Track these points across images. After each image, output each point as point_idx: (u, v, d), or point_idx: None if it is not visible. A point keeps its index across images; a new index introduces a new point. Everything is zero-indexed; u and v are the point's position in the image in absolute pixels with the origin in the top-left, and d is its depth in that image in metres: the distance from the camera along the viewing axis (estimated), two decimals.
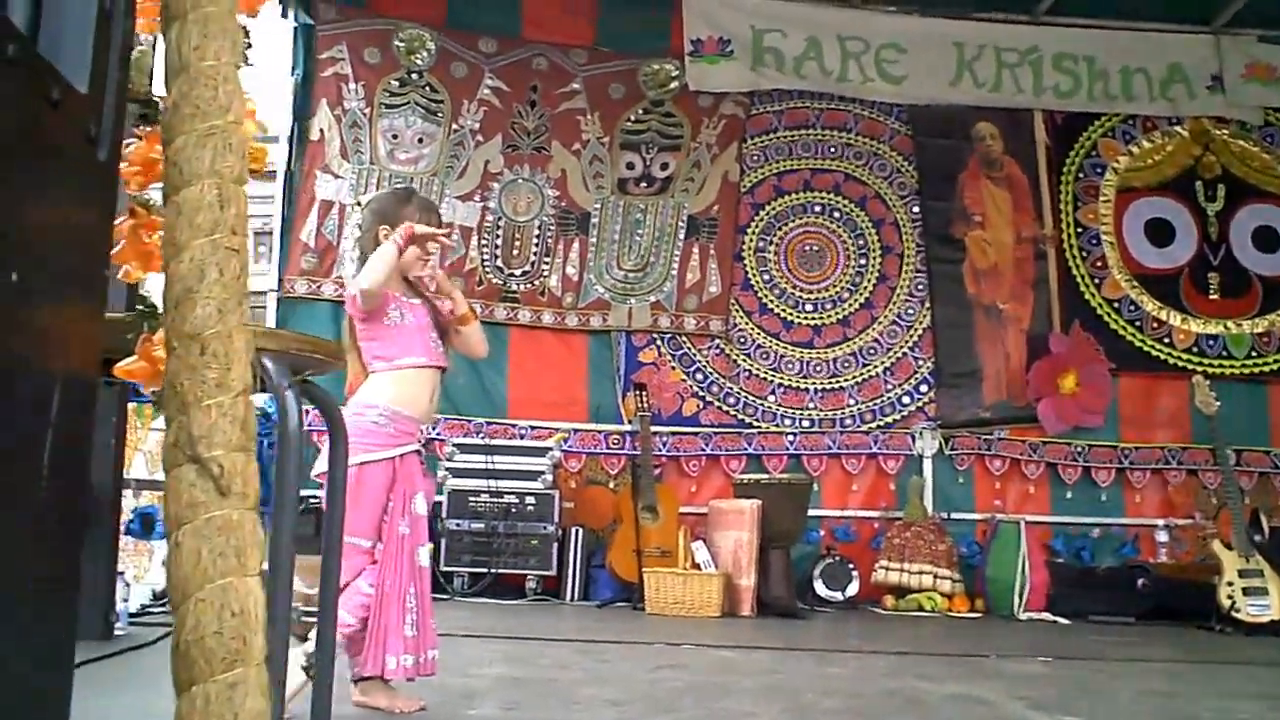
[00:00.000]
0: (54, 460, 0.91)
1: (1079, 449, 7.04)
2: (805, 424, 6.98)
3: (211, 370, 1.18)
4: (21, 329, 0.85)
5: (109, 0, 1.01)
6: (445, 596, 5.76)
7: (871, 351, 7.12)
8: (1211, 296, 7.31)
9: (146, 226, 1.49)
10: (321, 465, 2.49)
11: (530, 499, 6.16)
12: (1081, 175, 7.43)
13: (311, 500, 6.00)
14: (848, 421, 7.01)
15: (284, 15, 6.82)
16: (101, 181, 1.02)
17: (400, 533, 2.78)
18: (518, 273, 6.95)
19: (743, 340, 7.07)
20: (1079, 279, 7.26)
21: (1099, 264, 7.30)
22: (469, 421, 6.65)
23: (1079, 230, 7.34)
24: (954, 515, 6.80)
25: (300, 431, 1.81)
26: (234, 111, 1.24)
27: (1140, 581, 6.23)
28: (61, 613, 1.00)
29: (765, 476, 6.52)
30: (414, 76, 6.98)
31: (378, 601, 2.72)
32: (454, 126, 6.98)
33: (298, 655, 2.58)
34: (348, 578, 2.67)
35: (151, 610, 4.74)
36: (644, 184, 7.14)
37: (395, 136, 6.92)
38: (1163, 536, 6.83)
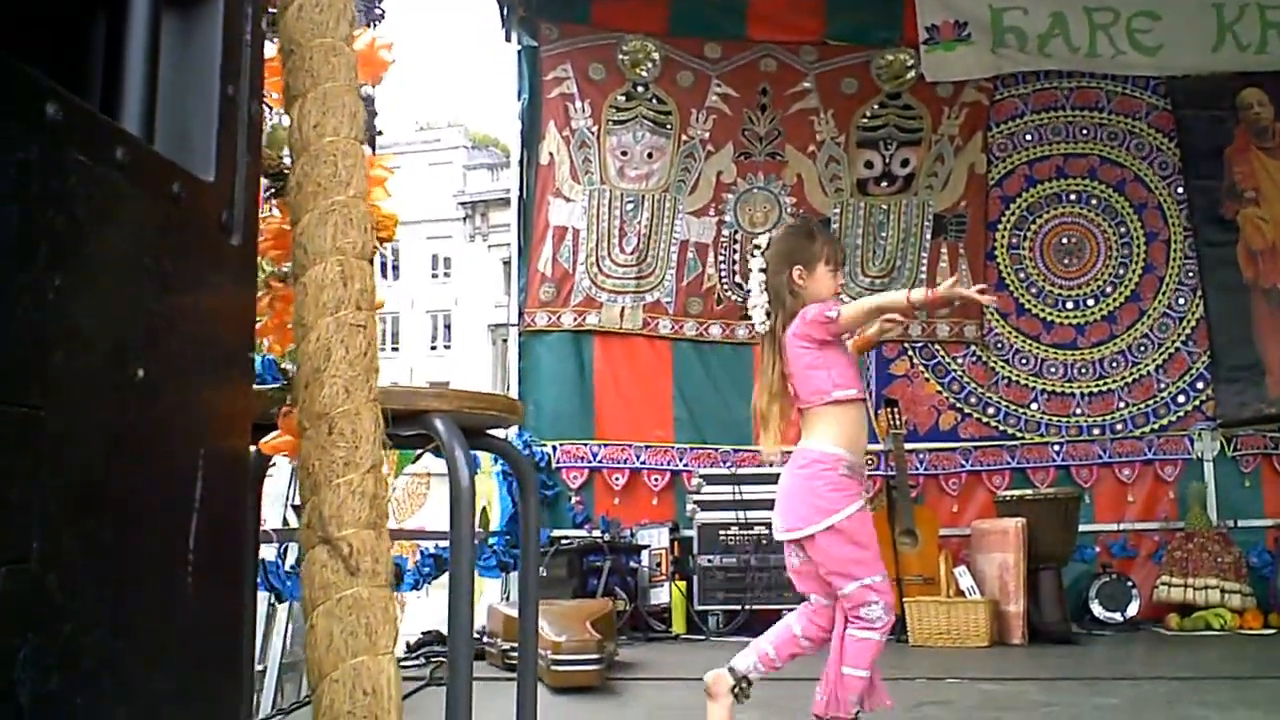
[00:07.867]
0: (201, 535, 0.91)
1: None
2: (1073, 432, 6.45)
3: (339, 449, 1.21)
4: (157, 417, 0.86)
5: (231, 87, 1.01)
6: (701, 638, 5.59)
7: (1141, 349, 6.55)
8: None
9: (283, 300, 1.51)
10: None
11: None
12: None
13: (564, 542, 5.94)
14: (1119, 426, 6.45)
15: (507, 40, 6.68)
16: (240, 264, 1.03)
17: None
18: None
19: (1000, 345, 6.59)
20: None
21: None
22: (715, 450, 6.38)
23: None
24: (1241, 523, 6.19)
25: (473, 490, 1.78)
26: (354, 186, 1.26)
27: None
28: (225, 689, 0.99)
29: (1030, 492, 6.05)
30: (640, 89, 6.72)
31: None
32: (683, 137, 6.69)
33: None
34: (888, 617, 2.71)
35: (404, 664, 4.67)
36: (884, 183, 6.72)
37: (624, 153, 6.68)
38: None
